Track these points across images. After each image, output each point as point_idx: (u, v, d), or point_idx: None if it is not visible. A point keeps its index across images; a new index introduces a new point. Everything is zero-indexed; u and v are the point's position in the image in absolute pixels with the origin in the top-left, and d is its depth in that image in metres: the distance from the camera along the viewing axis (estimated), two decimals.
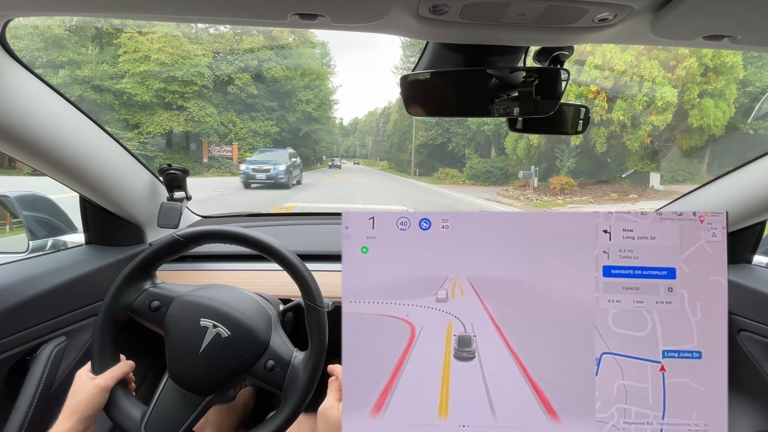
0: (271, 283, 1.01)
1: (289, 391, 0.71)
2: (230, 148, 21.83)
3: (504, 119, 0.80)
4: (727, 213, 0.42)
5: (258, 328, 0.74)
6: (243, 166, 13.21)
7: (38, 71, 0.75)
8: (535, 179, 15.79)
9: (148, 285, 0.77)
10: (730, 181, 0.93)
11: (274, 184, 12.93)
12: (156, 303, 0.74)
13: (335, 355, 0.56)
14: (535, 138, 15.60)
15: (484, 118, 0.74)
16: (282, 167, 13.18)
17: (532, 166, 16.41)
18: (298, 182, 15.27)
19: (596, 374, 0.40)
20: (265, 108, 24.19)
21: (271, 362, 0.72)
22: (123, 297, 0.74)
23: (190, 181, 1.17)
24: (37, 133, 0.77)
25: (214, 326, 0.71)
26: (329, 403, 0.59)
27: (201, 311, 0.73)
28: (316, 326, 0.73)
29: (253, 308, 0.77)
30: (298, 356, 0.74)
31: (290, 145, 25.40)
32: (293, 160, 14.94)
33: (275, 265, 0.76)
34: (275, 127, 24.47)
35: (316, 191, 13.75)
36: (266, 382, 0.72)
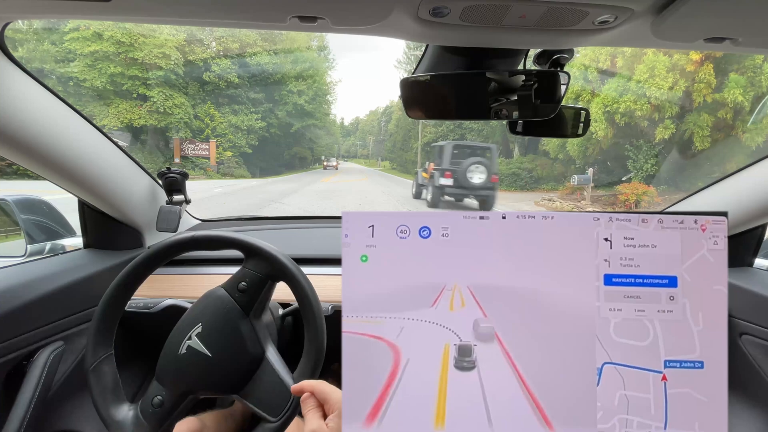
0: None
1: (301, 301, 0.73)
2: (207, 146, 18.42)
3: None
4: (727, 217, 0.42)
5: (203, 296, 0.76)
6: None
7: None
8: (591, 186, 11.91)
9: (129, 412, 0.71)
10: (732, 184, 0.93)
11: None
12: (158, 399, 0.70)
13: (336, 360, 0.56)
14: (600, 130, 11.64)
15: None
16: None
17: (590, 169, 12.51)
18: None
19: (598, 384, 0.40)
20: (250, 100, 20.75)
21: (242, 284, 0.74)
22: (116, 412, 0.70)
23: None
24: (36, 137, 0.77)
25: (188, 338, 0.71)
26: (316, 425, 0.49)
27: (174, 350, 0.71)
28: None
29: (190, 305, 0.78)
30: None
31: (282, 143, 23.47)
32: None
33: None
34: (261, 122, 20.92)
35: (294, 204, 10.76)
36: (257, 293, 0.74)
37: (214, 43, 19.69)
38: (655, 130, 10.95)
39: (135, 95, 15.87)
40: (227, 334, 0.71)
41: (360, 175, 26.80)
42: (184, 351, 0.70)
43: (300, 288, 0.73)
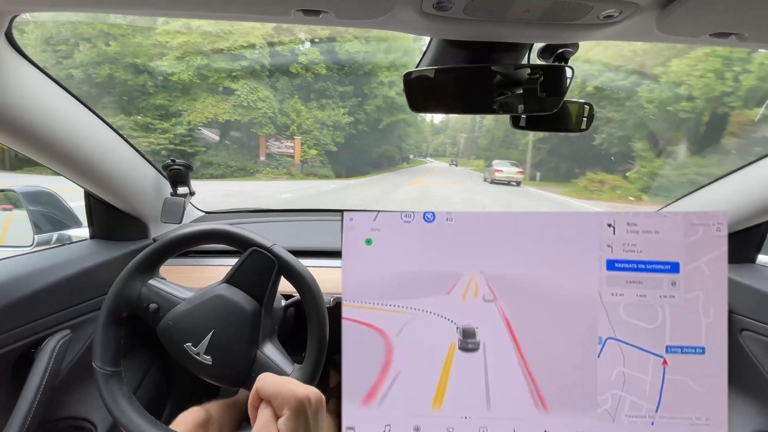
0: None
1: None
2: (292, 144, 16.84)
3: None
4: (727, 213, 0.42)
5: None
6: None
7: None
8: None
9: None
10: (736, 180, 0.93)
11: None
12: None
13: (336, 351, 0.56)
14: None
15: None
16: None
17: None
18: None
19: (599, 355, 0.41)
20: (338, 93, 18.64)
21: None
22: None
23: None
24: (44, 129, 0.78)
25: (193, 346, 0.73)
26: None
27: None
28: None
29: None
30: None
31: (370, 140, 21.11)
32: None
33: None
34: (348, 117, 18.78)
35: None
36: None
37: (302, 34, 17.22)
38: None
39: (221, 88, 15.29)
40: (232, 326, 0.72)
41: (454, 177, 21.81)
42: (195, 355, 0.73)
43: (287, 266, 0.74)
